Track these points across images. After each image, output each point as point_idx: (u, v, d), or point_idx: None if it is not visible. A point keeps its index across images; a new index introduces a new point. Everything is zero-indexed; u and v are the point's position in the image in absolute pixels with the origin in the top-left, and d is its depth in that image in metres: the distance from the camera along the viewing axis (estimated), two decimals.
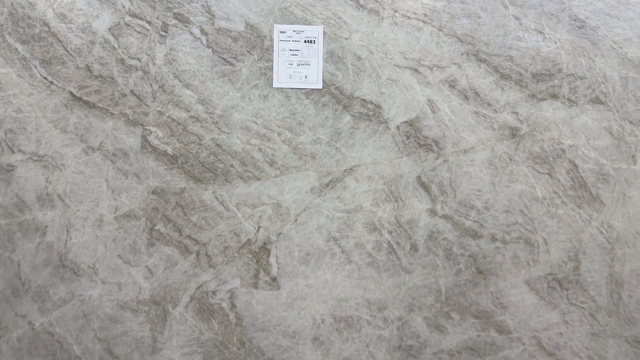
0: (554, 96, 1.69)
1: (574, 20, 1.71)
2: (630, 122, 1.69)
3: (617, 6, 1.72)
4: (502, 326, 1.62)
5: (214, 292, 1.58)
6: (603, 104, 1.69)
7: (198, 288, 1.58)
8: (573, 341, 1.63)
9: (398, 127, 1.65)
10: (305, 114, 1.65)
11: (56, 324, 1.55)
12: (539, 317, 1.62)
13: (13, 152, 1.58)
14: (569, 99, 1.69)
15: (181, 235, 1.59)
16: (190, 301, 1.58)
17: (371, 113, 1.65)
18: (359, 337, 1.60)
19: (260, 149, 1.63)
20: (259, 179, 1.63)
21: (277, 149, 1.64)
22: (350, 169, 1.64)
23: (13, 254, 1.56)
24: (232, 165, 1.62)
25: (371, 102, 1.66)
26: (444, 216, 1.64)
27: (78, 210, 1.58)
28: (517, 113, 1.67)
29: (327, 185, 1.64)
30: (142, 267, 1.57)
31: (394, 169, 1.64)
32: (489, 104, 1.67)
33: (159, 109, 1.61)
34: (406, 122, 1.66)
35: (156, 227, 1.59)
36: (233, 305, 1.59)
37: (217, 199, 1.61)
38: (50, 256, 1.56)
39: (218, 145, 1.62)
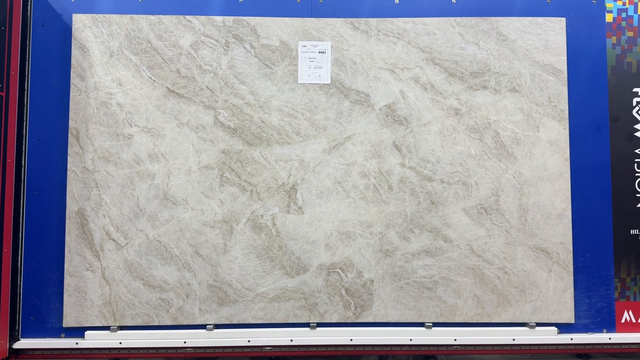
0: (485, 87, 2.53)
1: (500, 35, 2.54)
2: (536, 104, 2.53)
3: (529, 25, 2.55)
4: (447, 237, 2.50)
5: (262, 216, 2.47)
6: (518, 92, 2.53)
7: (252, 213, 2.47)
8: (494, 248, 2.51)
9: (380, 109, 2.51)
10: (319, 100, 2.50)
11: (162, 235, 2.45)
12: (471, 231, 2.50)
13: (131, 126, 2.46)
14: (495, 89, 2.53)
15: (240, 179, 2.47)
16: (247, 221, 2.47)
17: (363, 100, 2.51)
18: (354, 244, 2.49)
19: (290, 124, 2.50)
20: (289, 144, 2.49)
21: (301, 124, 2.50)
22: (349, 137, 2.51)
23: (134, 191, 2.45)
24: (271, 135, 2.49)
25: (363, 92, 2.51)
26: (410, 167, 2.51)
27: (174, 163, 2.46)
28: (459, 99, 2.52)
29: (333, 147, 2.50)
30: (217, 199, 2.46)
31: (378, 136, 2.51)
32: (440, 93, 2.52)
33: (224, 98, 2.48)
34: (386, 105, 2.51)
35: (224, 174, 2.47)
36: (274, 224, 2.47)
37: (262, 156, 2.49)
38: (158, 192, 2.45)
39: (263, 121, 2.49)
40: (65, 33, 2.49)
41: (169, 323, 2.43)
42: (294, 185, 2.49)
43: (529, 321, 2.50)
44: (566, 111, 2.54)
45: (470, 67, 2.53)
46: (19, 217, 2.44)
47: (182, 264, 2.45)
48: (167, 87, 2.47)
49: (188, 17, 2.49)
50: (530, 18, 2.56)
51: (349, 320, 2.47)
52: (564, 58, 2.55)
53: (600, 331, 2.52)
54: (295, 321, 2.46)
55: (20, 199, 2.44)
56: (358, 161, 2.50)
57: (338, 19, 2.52)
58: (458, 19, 2.54)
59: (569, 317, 2.51)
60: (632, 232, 2.54)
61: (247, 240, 2.46)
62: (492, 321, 2.49)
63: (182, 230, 2.45)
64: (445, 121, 2.52)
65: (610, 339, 2.50)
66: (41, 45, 2.48)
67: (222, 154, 2.47)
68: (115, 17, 2.48)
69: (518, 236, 2.51)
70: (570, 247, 2.51)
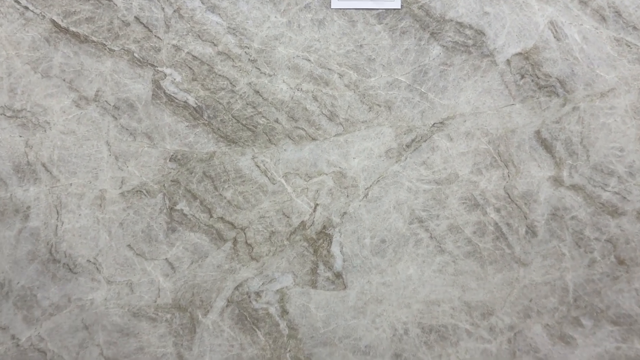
0: None
1: None
2: None
3: None
4: None
5: (257, 294, 1.17)
6: None
7: (237, 288, 1.17)
8: None
9: (508, 62, 1.18)
10: (376, 45, 1.18)
11: (48, 339, 1.16)
12: None
13: None
14: None
15: (211, 217, 1.17)
16: (227, 306, 1.17)
17: (470, 42, 1.18)
18: (455, 352, 1.18)
19: (315, 97, 1.18)
20: (314, 139, 1.18)
21: (339, 97, 1.18)
22: (441, 123, 1.18)
23: None
24: (277, 121, 1.18)
25: (470, 27, 1.18)
26: (573, 186, 1.18)
27: (70, 184, 1.16)
28: None
29: (408, 146, 1.19)
30: (161, 260, 1.16)
31: (503, 121, 1.18)
32: (634, 28, 1.19)
33: (174, 42, 1.16)
34: (520, 54, 1.18)
35: (177, 207, 1.16)
36: (284, 311, 1.17)
37: (258, 167, 1.18)
38: (37, 247, 1.16)
39: (257, 92, 1.18)
40: None
41: None
42: (325, 227, 1.18)
43: None
44: None
45: None
46: None
47: None
48: (54, 22, 1.16)
49: None
50: None
51: None
52: None
53: None
54: None
55: None
56: (461, 174, 1.18)
57: None
58: None
59: None
60: None
61: (227, 346, 1.16)
62: None
63: (88, 328, 1.16)
64: None
65: None
66: None
67: (171, 163, 1.16)
68: None
69: None
70: None
